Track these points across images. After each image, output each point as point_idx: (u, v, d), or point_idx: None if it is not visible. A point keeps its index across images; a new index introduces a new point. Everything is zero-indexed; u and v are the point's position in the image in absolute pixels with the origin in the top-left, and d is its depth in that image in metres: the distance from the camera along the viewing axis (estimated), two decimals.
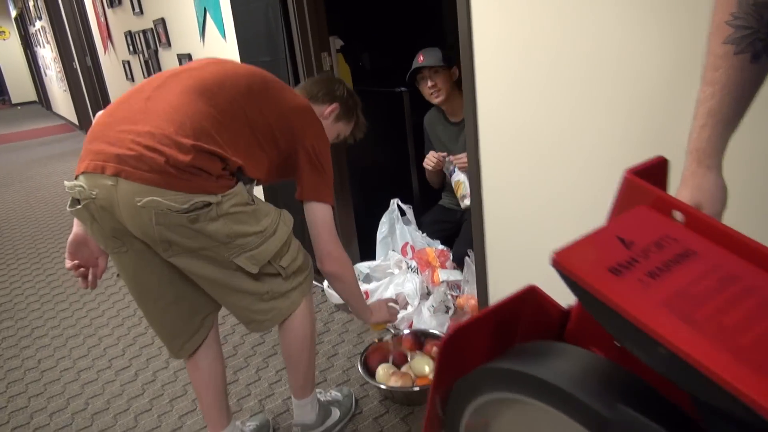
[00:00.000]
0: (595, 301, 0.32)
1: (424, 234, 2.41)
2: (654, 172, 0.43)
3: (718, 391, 0.27)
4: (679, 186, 0.79)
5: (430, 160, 2.33)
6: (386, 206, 2.44)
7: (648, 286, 0.31)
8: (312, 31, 2.20)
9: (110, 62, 5.28)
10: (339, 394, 1.70)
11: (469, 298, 2.02)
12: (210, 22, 2.74)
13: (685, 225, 0.39)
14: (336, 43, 2.42)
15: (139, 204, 1.09)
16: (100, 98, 6.23)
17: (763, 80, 0.76)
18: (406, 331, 1.89)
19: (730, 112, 0.76)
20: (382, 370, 1.75)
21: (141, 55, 4.03)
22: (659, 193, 0.41)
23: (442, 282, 2.11)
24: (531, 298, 0.43)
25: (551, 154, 1.36)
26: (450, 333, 0.40)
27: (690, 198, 0.77)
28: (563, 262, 0.34)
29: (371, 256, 2.49)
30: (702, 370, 0.27)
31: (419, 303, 2.05)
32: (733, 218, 0.67)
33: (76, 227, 1.28)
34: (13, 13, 12.83)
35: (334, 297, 2.24)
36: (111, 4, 4.34)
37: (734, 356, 0.27)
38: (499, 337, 0.40)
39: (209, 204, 1.13)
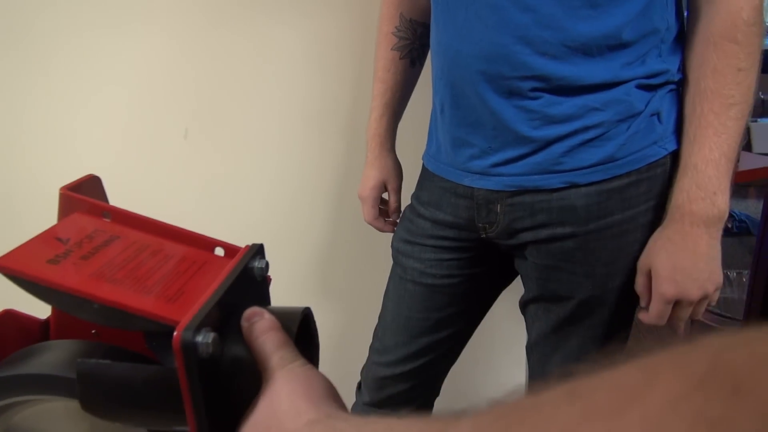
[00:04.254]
0: (41, 288, 0.40)
1: None
2: (89, 186, 0.53)
3: (136, 318, 0.38)
4: (365, 169, 0.98)
5: None
6: None
7: (80, 266, 0.41)
8: None
9: None
10: None
11: None
12: None
13: (113, 220, 0.49)
14: None
15: None
16: None
17: (416, 81, 0.97)
18: None
19: (399, 106, 0.96)
20: None
21: None
22: (91, 201, 0.50)
23: None
24: (7, 322, 0.48)
25: None
26: None
27: (378, 176, 0.97)
28: (6, 265, 0.40)
29: None
30: (120, 308, 0.38)
31: None
32: None
33: None
34: None
35: None
36: None
37: (142, 293, 0.40)
38: None
39: None
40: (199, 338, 0.34)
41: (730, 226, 2.86)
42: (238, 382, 0.37)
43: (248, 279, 0.42)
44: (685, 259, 0.70)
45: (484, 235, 0.82)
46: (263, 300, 0.45)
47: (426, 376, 0.95)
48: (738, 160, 0.75)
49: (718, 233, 0.71)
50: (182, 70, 1.17)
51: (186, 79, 1.17)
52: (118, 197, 1.07)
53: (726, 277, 1.69)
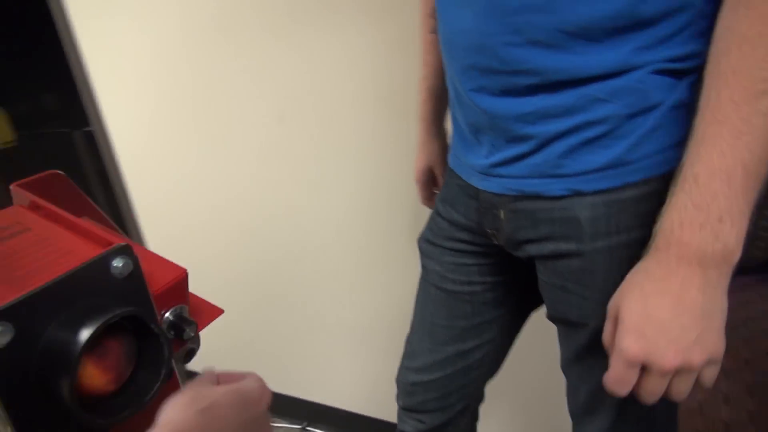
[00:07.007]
0: None
1: None
2: (48, 182, 0.56)
3: None
4: (417, 152, 0.96)
5: None
6: None
7: None
8: None
9: None
10: None
11: None
12: None
13: (40, 215, 0.53)
14: None
15: None
16: None
17: None
18: None
19: (443, 89, 0.86)
20: None
21: None
22: (32, 197, 0.54)
23: None
24: None
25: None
26: None
27: (425, 161, 0.96)
28: None
29: None
30: None
31: None
32: None
33: None
34: None
35: None
36: None
37: (2, 280, 0.42)
38: None
39: None
40: None
41: None
42: (48, 369, 0.41)
43: (102, 276, 0.45)
44: (662, 306, 0.51)
45: (496, 242, 0.74)
46: (129, 297, 0.47)
47: (457, 385, 0.89)
48: None
49: (721, 279, 0.50)
50: (275, 64, 1.28)
51: (278, 72, 1.29)
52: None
53: None
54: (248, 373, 0.52)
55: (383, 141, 1.25)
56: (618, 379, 0.54)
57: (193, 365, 1.82)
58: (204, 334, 1.89)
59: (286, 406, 1.80)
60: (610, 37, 0.55)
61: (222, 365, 1.78)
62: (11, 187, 0.56)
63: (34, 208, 0.55)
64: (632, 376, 0.53)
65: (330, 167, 1.34)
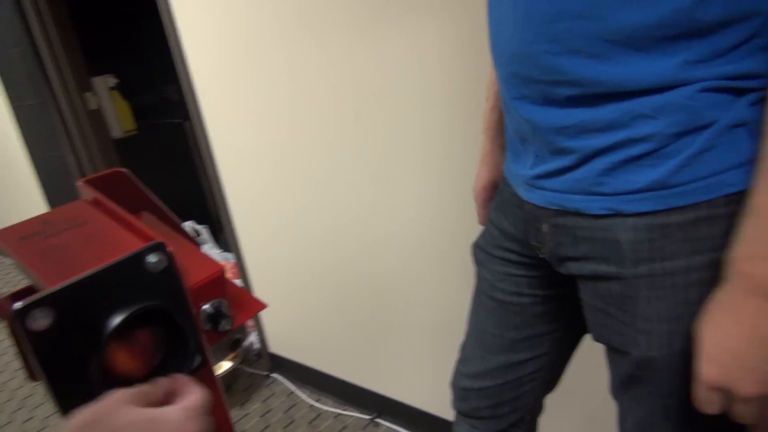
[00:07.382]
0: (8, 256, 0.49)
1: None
2: (112, 179, 0.59)
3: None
4: (478, 166, 0.91)
5: None
6: None
7: (38, 243, 0.51)
8: (72, 72, 2.28)
9: None
10: None
11: None
12: None
13: (99, 210, 0.57)
14: (108, 81, 2.62)
15: None
16: None
17: None
18: None
19: None
20: None
21: None
22: (96, 194, 0.58)
23: None
24: None
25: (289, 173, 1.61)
26: None
27: (488, 175, 0.90)
28: None
29: None
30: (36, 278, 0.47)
31: None
32: None
33: None
34: None
35: None
36: None
37: (57, 271, 0.47)
38: None
39: None
40: (33, 315, 0.43)
41: None
42: (83, 351, 0.46)
43: (138, 270, 0.50)
44: (735, 336, 0.50)
45: (541, 255, 0.72)
46: (163, 291, 0.51)
47: (509, 396, 0.87)
48: None
49: None
50: (353, 61, 1.31)
51: (356, 70, 1.32)
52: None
53: None
54: (193, 393, 0.47)
55: (457, 141, 1.24)
56: (702, 401, 0.55)
57: (280, 351, 1.86)
58: (286, 324, 2.00)
59: (358, 396, 1.84)
60: (658, 46, 0.51)
61: (302, 354, 1.87)
62: (78, 183, 0.63)
63: (95, 203, 0.61)
64: (715, 398, 0.54)
65: (403, 166, 1.35)
